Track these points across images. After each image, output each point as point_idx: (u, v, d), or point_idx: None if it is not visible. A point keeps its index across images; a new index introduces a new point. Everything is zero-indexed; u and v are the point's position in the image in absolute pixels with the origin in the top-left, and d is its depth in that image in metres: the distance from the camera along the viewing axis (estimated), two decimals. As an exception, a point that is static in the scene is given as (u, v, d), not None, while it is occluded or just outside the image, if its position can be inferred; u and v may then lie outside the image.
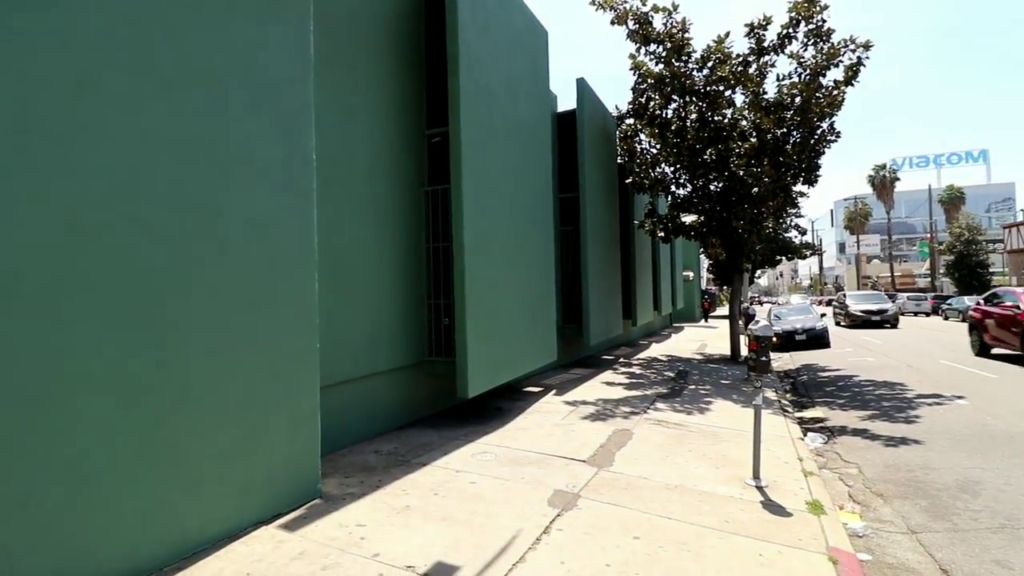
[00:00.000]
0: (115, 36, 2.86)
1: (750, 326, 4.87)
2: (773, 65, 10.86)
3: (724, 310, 35.45)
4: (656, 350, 15.22)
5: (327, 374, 4.65)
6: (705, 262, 31.05)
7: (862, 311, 23.61)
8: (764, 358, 4.68)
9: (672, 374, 10.57)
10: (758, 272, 36.63)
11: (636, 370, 11.11)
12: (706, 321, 28.99)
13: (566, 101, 11.47)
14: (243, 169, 3.51)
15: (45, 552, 2.50)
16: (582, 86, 10.95)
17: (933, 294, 37.30)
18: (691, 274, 28.61)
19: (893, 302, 26.46)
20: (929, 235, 49.38)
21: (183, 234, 3.14)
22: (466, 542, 3.33)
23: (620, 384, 9.28)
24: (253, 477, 3.49)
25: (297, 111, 3.93)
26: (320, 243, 4.26)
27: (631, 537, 3.46)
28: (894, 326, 23.30)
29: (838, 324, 25.29)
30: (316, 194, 4.04)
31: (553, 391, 8.52)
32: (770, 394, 8.18)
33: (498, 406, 7.31)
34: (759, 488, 4.39)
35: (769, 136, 10.76)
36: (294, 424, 3.78)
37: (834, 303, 29.07)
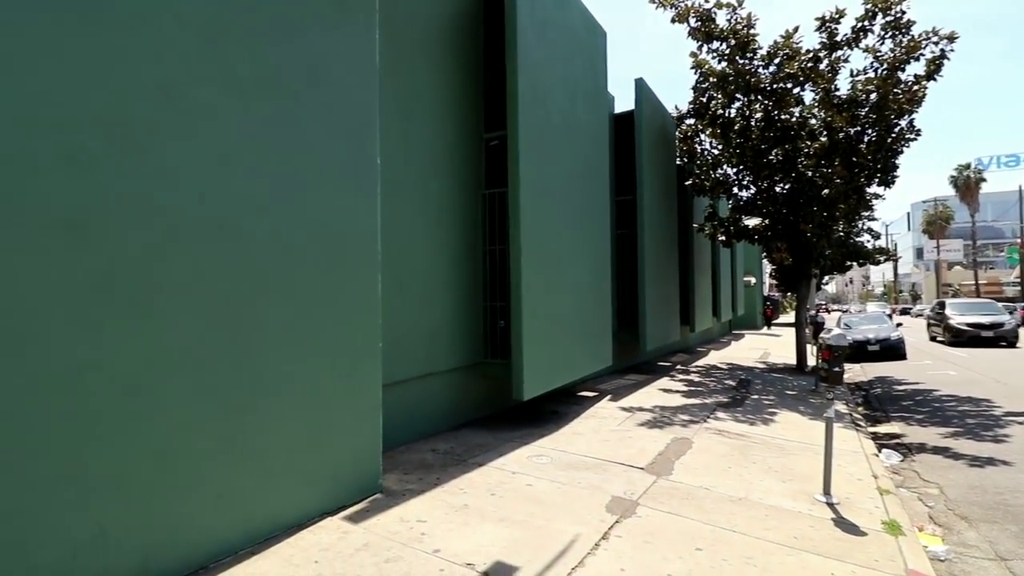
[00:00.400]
0: (200, 50, 3.05)
1: (821, 335, 4.65)
2: (846, 60, 10.32)
3: (788, 317, 33.98)
4: (715, 357, 14.74)
5: (386, 373, 4.77)
6: (768, 267, 29.88)
7: (968, 324, 18.42)
8: (837, 368, 4.46)
9: (733, 383, 10.20)
10: (826, 278, 34.87)
11: (694, 377, 10.80)
12: (768, 328, 27.85)
13: (623, 102, 11.31)
14: (313, 173, 3.66)
15: (135, 530, 2.69)
16: (640, 87, 10.79)
17: (1023, 304, 34.15)
18: (752, 279, 27.57)
19: (1011, 314, 19.63)
20: (1020, 240, 45.49)
21: (258, 237, 3.31)
22: (525, 543, 3.33)
23: (678, 392, 9.05)
24: (319, 469, 3.63)
25: (363, 116, 4.07)
26: (380, 244, 4.38)
27: (693, 548, 3.36)
28: (1012, 344, 17.98)
29: (934, 340, 20.68)
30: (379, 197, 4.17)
31: (608, 396, 8.41)
32: (841, 407, 7.75)
33: (553, 410, 7.29)
34: (830, 505, 4.17)
35: (841, 135, 10.22)
36: (358, 420, 3.91)
37: (927, 315, 23.41)
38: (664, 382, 10.05)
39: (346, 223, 3.88)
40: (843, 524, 3.82)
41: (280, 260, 3.43)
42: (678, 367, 12.42)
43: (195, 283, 2.96)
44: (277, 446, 3.36)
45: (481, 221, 6.69)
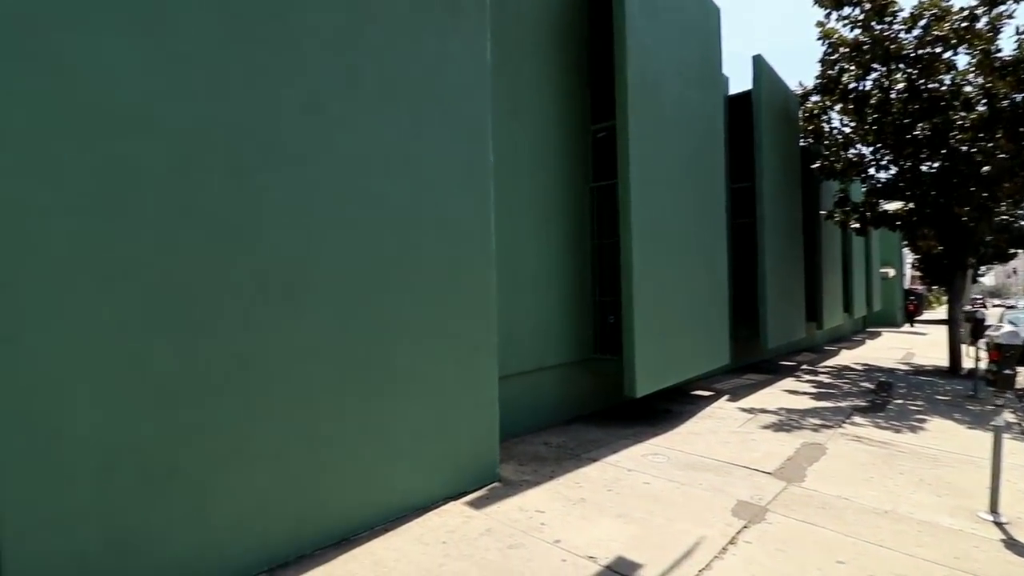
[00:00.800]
0: (333, 67, 3.31)
1: (988, 332, 4.06)
2: (1010, 16, 8.87)
3: (934, 313, 30.04)
4: (847, 357, 13.42)
5: (499, 366, 4.90)
6: (910, 257, 26.59)
7: None
8: (1009, 371, 3.88)
9: (871, 385, 9.23)
10: (983, 269, 30.35)
11: (824, 379, 9.92)
12: (911, 326, 24.84)
13: (738, 82, 10.62)
14: (432, 174, 3.85)
15: (289, 501, 3.01)
16: (759, 64, 10.08)
17: None
18: (891, 271, 24.69)
19: None
20: None
21: (385, 236, 3.54)
22: (645, 541, 3.26)
23: (805, 393, 8.36)
24: (442, 456, 3.82)
25: (477, 117, 4.20)
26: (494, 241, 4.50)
27: (834, 561, 3.09)
28: None
29: None
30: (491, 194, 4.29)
31: (726, 396, 7.98)
32: (1010, 416, 6.72)
33: (665, 408, 7.06)
34: (998, 524, 3.64)
35: (1005, 102, 8.81)
36: (477, 410, 4.06)
37: None
38: (788, 383, 9.34)
39: (463, 221, 4.03)
40: (1016, 547, 3.32)
41: (403, 257, 3.64)
42: (804, 367, 11.48)
43: (333, 279, 3.24)
44: (405, 432, 3.59)
45: (589, 215, 6.63)
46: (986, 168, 9.03)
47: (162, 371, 2.59)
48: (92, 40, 2.42)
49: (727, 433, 5.87)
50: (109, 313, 2.44)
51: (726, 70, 10.60)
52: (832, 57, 10.31)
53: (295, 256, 3.07)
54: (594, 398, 6.77)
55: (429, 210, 3.79)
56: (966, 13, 9.03)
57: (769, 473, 4.59)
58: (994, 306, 46.91)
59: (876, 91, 10.02)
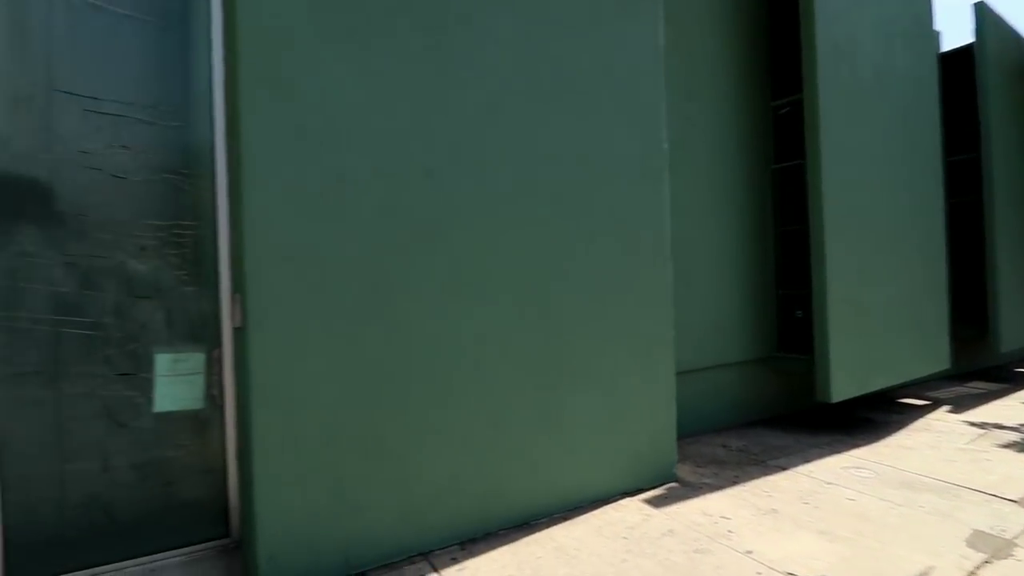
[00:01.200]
0: (512, 68, 3.43)
1: None
2: None
3: None
4: (1120, 366, 10.53)
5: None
6: None
7: None
8: None
9: None
10: None
11: (1086, 391, 7.90)
12: None
13: (954, 36, 8.87)
14: (606, 164, 3.80)
15: (476, 481, 3.20)
16: (982, 12, 8.33)
17: None
18: None
19: None
20: None
21: (560, 229, 3.59)
22: (856, 564, 2.88)
23: (1059, 408, 6.74)
24: (618, 450, 3.76)
25: (650, 103, 4.06)
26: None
27: None
28: None
29: None
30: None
31: (945, 407, 6.75)
32: None
33: (865, 417, 6.18)
34: None
35: None
36: (653, 405, 3.93)
37: None
38: (1033, 394, 7.61)
39: (637, 211, 3.93)
40: None
41: (578, 249, 3.65)
42: (1053, 376, 9.26)
43: (512, 272, 3.37)
44: (581, 423, 3.60)
45: (771, 200, 6.05)
46: None
47: (372, 355, 2.91)
48: (315, 64, 2.81)
49: (952, 450, 4.95)
50: (334, 303, 2.81)
51: (940, 24, 8.94)
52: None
53: (478, 250, 3.25)
54: (777, 400, 6.17)
55: (602, 201, 3.76)
56: None
57: (1014, 501, 3.77)
58: None
59: None
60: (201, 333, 3.07)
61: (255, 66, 2.67)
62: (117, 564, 2.87)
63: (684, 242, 5.16)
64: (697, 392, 5.33)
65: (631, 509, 3.54)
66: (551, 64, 3.60)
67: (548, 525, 3.33)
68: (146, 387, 2.94)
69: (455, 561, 2.94)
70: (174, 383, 2.98)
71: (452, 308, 3.15)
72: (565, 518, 3.41)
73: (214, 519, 3.10)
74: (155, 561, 2.94)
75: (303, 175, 2.76)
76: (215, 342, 3.09)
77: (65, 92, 2.80)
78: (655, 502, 3.65)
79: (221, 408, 3.10)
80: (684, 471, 4.25)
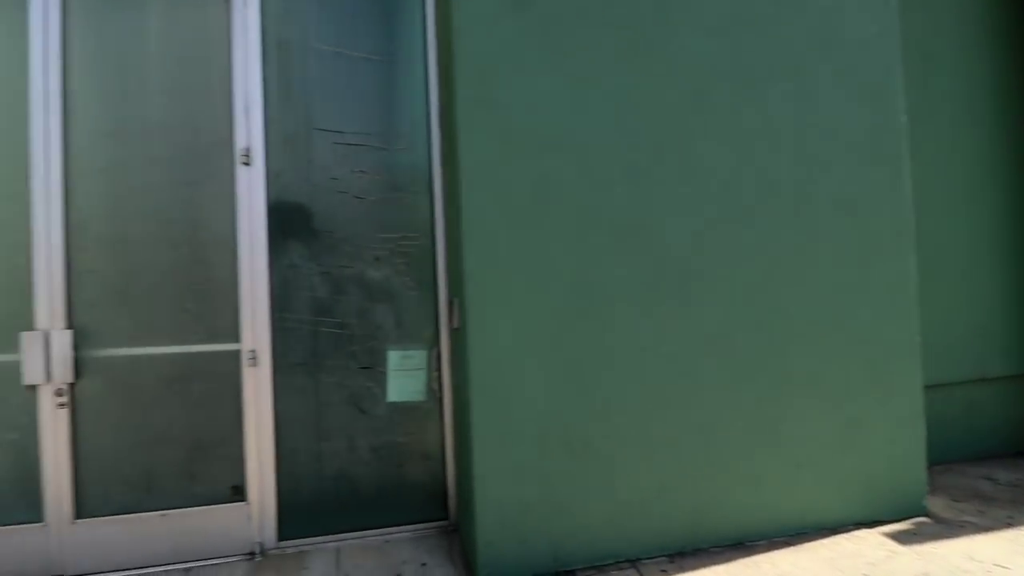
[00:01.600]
0: (715, 53, 3.22)
1: None
2: None
3: None
4: None
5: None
6: None
7: None
8: None
9: None
10: None
11: None
12: None
13: None
14: (827, 147, 3.36)
15: (685, 492, 3.03)
16: None
17: None
18: None
19: None
20: None
21: (774, 222, 3.25)
22: None
23: None
24: (848, 473, 3.28)
25: (881, 71, 3.48)
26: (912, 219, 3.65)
27: None
28: None
29: None
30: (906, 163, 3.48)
31: None
32: None
33: None
34: None
35: None
36: (893, 424, 3.35)
37: None
38: None
39: (867, 198, 3.40)
40: None
41: (794, 243, 3.28)
42: None
43: (721, 271, 3.14)
44: (803, 440, 3.21)
45: (1047, 176, 4.81)
46: None
47: (577, 356, 2.94)
48: (521, 80, 2.94)
49: None
50: (541, 305, 2.90)
51: None
52: None
53: (685, 250, 3.09)
54: (1062, 428, 4.86)
55: (826, 190, 3.33)
56: None
57: None
58: None
59: None
60: (423, 333, 3.41)
61: (469, 89, 2.88)
62: (360, 532, 3.31)
63: (932, 232, 4.34)
64: (950, 411, 4.43)
65: (869, 542, 3.05)
66: (760, 44, 3.29)
67: (767, 549, 3.02)
68: (381, 380, 3.35)
69: (665, 574, 2.82)
70: (403, 377, 3.35)
71: (657, 311, 3.04)
72: (787, 543, 3.07)
73: (435, 502, 3.41)
74: (390, 534, 3.32)
75: (511, 184, 2.90)
76: (434, 341, 3.41)
77: (320, 129, 3.34)
78: (900, 537, 3.10)
79: (440, 401, 3.40)
80: (937, 505, 3.55)
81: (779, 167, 3.28)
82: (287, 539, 3.22)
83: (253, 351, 3.17)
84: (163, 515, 3.06)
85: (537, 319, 2.90)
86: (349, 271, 3.34)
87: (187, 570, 3.02)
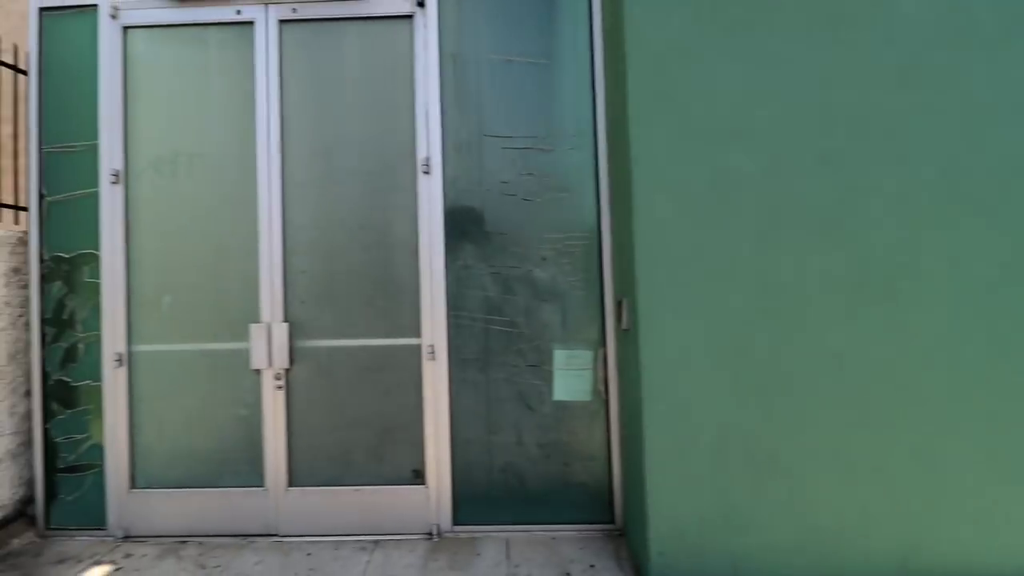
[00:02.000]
0: (931, 14, 2.77)
1: None
2: None
3: None
4: None
5: None
6: None
7: None
8: None
9: None
10: None
11: None
12: None
13: None
14: (1090, 118, 2.72)
15: (893, 520, 2.66)
16: None
17: None
18: None
19: None
20: None
21: (1010, 210, 2.71)
22: None
23: None
24: (1121, 520, 2.63)
25: None
26: None
27: None
28: None
29: None
30: None
31: None
32: None
33: None
34: None
35: None
36: None
37: None
38: None
39: None
40: None
41: (1041, 238, 2.71)
42: None
43: (940, 269, 2.70)
44: (1052, 473, 2.65)
45: None
46: None
47: (762, 362, 2.72)
48: (697, 69, 2.79)
49: None
50: (720, 305, 2.73)
51: None
52: None
53: (895, 247, 2.71)
54: None
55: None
56: None
57: None
58: None
59: None
60: (589, 333, 3.40)
61: (643, 82, 2.80)
62: (525, 526, 3.39)
63: None
64: None
65: None
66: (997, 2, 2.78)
67: (1002, 600, 2.54)
68: (547, 378, 3.40)
69: (869, 612, 2.49)
70: (569, 376, 3.37)
71: (861, 315, 2.70)
72: (1031, 597, 2.55)
73: (600, 504, 3.38)
74: (556, 531, 3.36)
75: (688, 179, 2.76)
76: (600, 341, 3.38)
77: (490, 135, 3.48)
78: None
79: (606, 402, 3.36)
80: None
81: (1019, 145, 2.73)
82: (460, 524, 3.41)
83: (432, 346, 3.40)
84: (356, 490, 3.41)
85: (716, 320, 2.73)
86: (517, 271, 3.44)
87: (376, 542, 3.33)
